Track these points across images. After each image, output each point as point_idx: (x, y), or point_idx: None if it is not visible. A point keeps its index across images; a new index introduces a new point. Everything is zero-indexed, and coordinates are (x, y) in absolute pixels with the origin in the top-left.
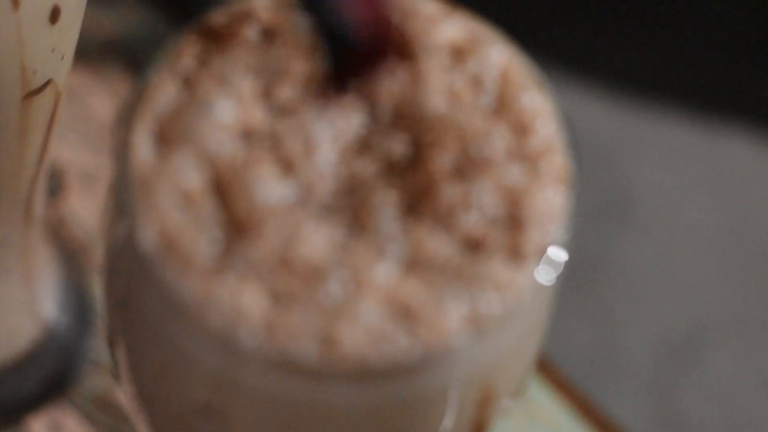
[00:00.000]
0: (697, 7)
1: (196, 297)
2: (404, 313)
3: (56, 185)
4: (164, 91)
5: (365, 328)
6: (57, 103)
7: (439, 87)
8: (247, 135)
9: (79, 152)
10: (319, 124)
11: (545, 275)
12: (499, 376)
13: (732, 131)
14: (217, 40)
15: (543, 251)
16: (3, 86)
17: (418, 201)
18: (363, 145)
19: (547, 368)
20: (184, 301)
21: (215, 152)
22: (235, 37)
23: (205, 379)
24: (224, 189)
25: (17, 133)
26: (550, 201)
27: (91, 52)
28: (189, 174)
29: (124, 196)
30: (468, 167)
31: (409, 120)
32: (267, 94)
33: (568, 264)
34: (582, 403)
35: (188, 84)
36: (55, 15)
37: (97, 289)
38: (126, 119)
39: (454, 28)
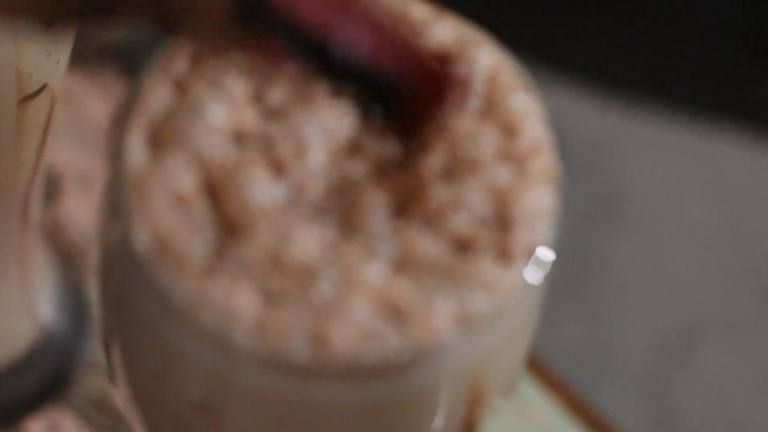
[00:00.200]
0: (687, 6)
1: (190, 297)
2: (395, 312)
3: (53, 188)
4: (157, 94)
5: (356, 327)
6: (52, 107)
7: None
8: (239, 137)
9: (75, 155)
10: (309, 126)
11: (534, 274)
12: (489, 374)
13: (722, 130)
14: (210, 42)
15: (531, 251)
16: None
17: (408, 202)
18: (353, 147)
19: (539, 367)
20: (178, 301)
21: (208, 154)
22: (227, 39)
23: (199, 377)
24: (217, 190)
25: (14, 137)
26: (538, 201)
27: (86, 56)
28: (182, 176)
29: (117, 198)
30: (457, 168)
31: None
32: (258, 96)
33: (559, 263)
34: (574, 402)
35: (181, 87)
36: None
37: (94, 291)
38: (119, 122)
39: (443, 31)
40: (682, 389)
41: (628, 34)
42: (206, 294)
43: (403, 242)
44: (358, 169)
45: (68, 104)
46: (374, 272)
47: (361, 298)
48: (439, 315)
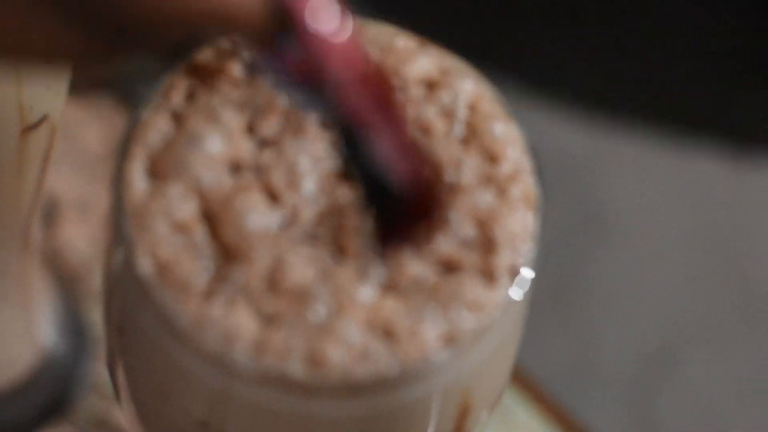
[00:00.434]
0: (668, 27)
1: (191, 319)
2: (385, 332)
3: (51, 214)
4: (155, 126)
5: (349, 347)
6: (52, 136)
7: (413, 118)
8: (235, 167)
9: (72, 182)
10: (301, 156)
11: (516, 293)
12: (477, 389)
13: (702, 149)
14: (205, 76)
15: (514, 270)
16: (2, 123)
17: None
18: (342, 175)
19: (525, 381)
20: (180, 323)
21: (205, 183)
22: (221, 73)
23: (201, 395)
24: (214, 218)
25: (15, 167)
26: (520, 223)
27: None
28: (181, 204)
29: (120, 227)
30: (442, 193)
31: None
32: (252, 127)
33: (544, 280)
34: (559, 415)
35: (178, 119)
36: None
37: (93, 314)
38: (120, 153)
39: (427, 60)
40: (665, 401)
41: (608, 56)
42: (207, 316)
43: (392, 265)
44: (347, 195)
45: (65, 133)
46: (365, 294)
47: (354, 319)
48: (428, 334)
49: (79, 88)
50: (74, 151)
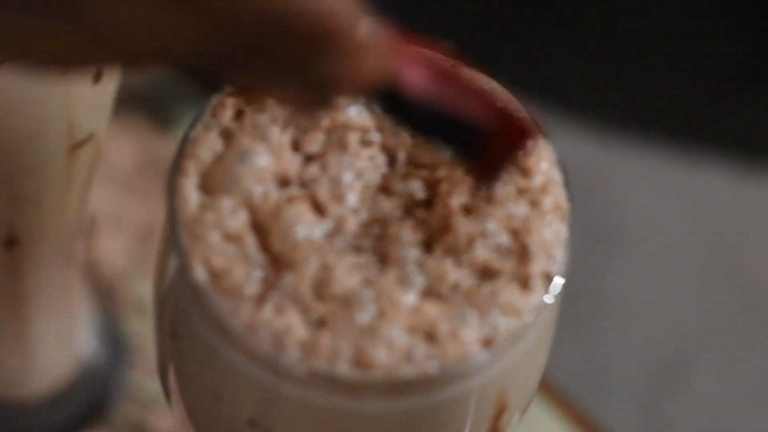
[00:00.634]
0: (676, 44)
1: (243, 324)
2: (427, 335)
3: (87, 228)
4: (206, 143)
5: (393, 349)
6: (97, 153)
7: None
8: (282, 181)
9: (105, 197)
10: (344, 170)
11: (549, 297)
12: (512, 389)
13: (711, 163)
14: (251, 96)
15: (548, 276)
16: (52, 141)
17: (436, 235)
18: (383, 189)
19: (545, 386)
20: (233, 328)
21: (254, 196)
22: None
23: (252, 396)
24: (263, 229)
25: (63, 183)
26: (552, 232)
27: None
28: (232, 216)
29: (175, 238)
30: (479, 204)
31: (424, 164)
32: (298, 143)
33: (565, 289)
34: (578, 418)
35: (227, 136)
36: (98, 74)
37: (129, 324)
38: (173, 169)
39: None
40: (678, 406)
41: (620, 74)
42: (258, 321)
43: (432, 272)
44: (388, 207)
45: None
46: (408, 300)
47: (397, 322)
48: (467, 337)
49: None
50: (107, 167)
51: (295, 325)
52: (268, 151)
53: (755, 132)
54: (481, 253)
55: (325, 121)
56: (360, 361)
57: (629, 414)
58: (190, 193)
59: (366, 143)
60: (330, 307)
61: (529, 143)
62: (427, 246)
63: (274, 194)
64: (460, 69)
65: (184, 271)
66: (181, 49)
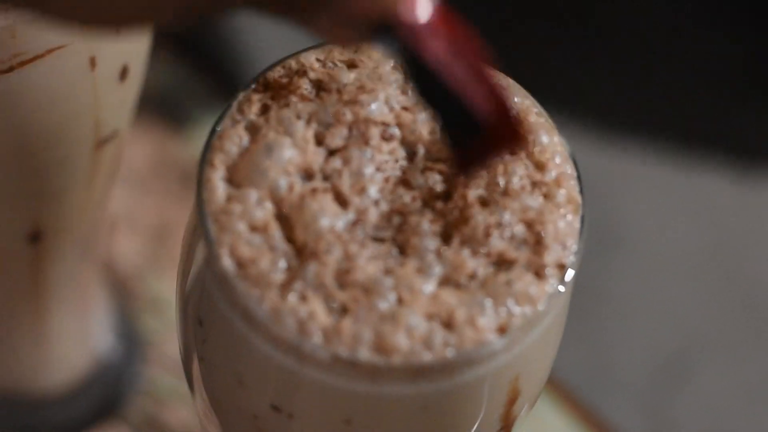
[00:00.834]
0: (675, 50)
1: (269, 311)
2: (445, 322)
3: (109, 225)
4: (233, 137)
5: (412, 335)
6: (121, 151)
7: None
8: (306, 173)
9: (120, 196)
10: (365, 163)
11: (562, 287)
12: (525, 375)
13: (709, 166)
14: (276, 91)
15: (561, 266)
16: (79, 137)
17: (454, 226)
18: (403, 181)
19: (550, 382)
20: (258, 314)
21: (279, 188)
22: (291, 89)
23: (276, 381)
24: (288, 219)
25: (86, 180)
26: (566, 223)
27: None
28: (258, 207)
29: (203, 229)
30: (495, 197)
31: (442, 158)
32: (321, 138)
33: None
34: (583, 413)
35: (253, 130)
36: (124, 73)
37: (143, 320)
38: (202, 162)
39: None
40: (680, 404)
41: (620, 79)
42: (283, 308)
43: (450, 262)
44: (408, 199)
45: None
46: (426, 288)
47: (416, 310)
48: (483, 324)
49: None
50: (123, 167)
51: (319, 312)
52: (293, 144)
53: (755, 134)
54: (497, 243)
55: (348, 116)
56: (380, 346)
57: (633, 412)
58: (218, 185)
59: (387, 138)
60: (352, 295)
61: (516, 150)
62: (446, 236)
63: (299, 186)
64: (485, 57)
65: (211, 260)
66: None
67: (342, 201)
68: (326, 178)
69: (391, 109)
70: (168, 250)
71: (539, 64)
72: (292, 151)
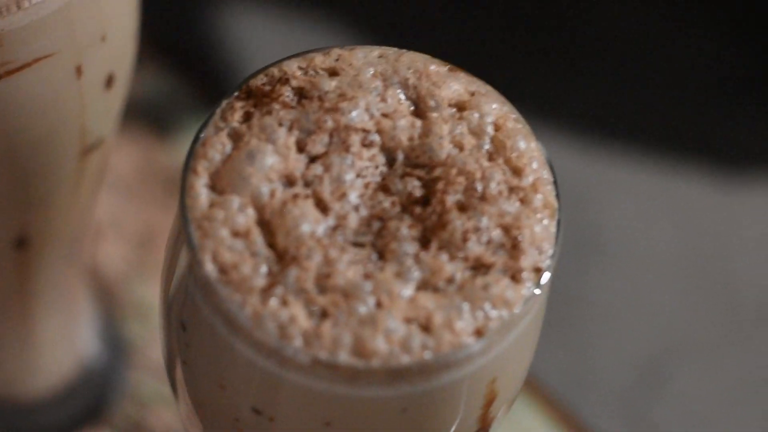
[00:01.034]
0: (657, 56)
1: (250, 315)
2: (423, 326)
3: (94, 231)
4: (216, 144)
5: (391, 339)
6: (107, 158)
7: (445, 135)
8: (288, 180)
9: (107, 203)
10: (347, 170)
11: (538, 291)
12: (502, 378)
13: (690, 172)
14: (258, 99)
15: (538, 270)
16: (65, 144)
17: (432, 231)
18: (383, 187)
19: (528, 385)
20: (240, 319)
21: (261, 195)
22: (273, 97)
23: (257, 384)
24: (270, 225)
25: (71, 187)
26: (542, 229)
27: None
28: (240, 213)
29: (186, 235)
30: (473, 202)
31: (420, 164)
32: (302, 145)
33: (550, 293)
34: (562, 417)
35: (236, 137)
36: (110, 81)
37: (128, 325)
38: (185, 169)
39: (456, 85)
40: (659, 407)
41: (601, 85)
42: (264, 312)
43: (428, 266)
44: (387, 205)
45: None
46: (405, 292)
47: (395, 314)
48: (461, 328)
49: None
50: (109, 173)
51: (299, 317)
52: (275, 151)
53: (736, 141)
54: (475, 247)
55: (329, 124)
56: (360, 350)
57: (612, 414)
58: (201, 192)
59: (367, 144)
60: (332, 299)
61: None
62: (424, 241)
63: (280, 193)
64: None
65: (194, 265)
66: None
67: (323, 207)
68: (307, 184)
69: (371, 116)
70: (153, 255)
71: (524, 69)
72: (274, 158)
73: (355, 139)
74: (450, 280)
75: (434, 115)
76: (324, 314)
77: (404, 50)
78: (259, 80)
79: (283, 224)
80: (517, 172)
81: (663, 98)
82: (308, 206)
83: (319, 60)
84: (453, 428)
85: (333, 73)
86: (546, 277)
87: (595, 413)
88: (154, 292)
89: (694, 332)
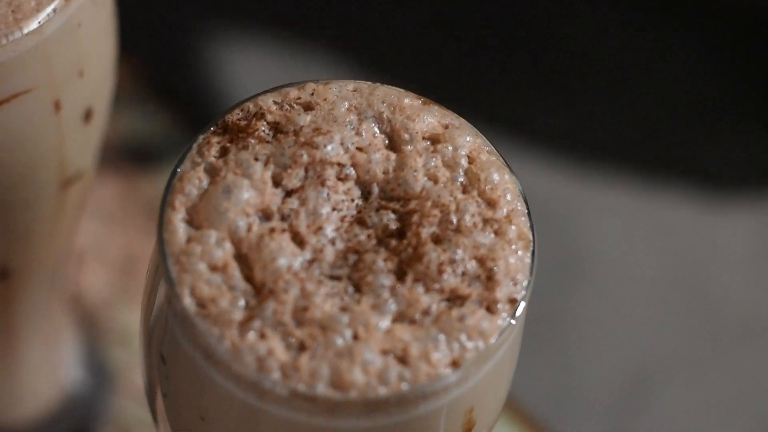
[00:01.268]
0: (639, 72)
1: (228, 349)
2: (400, 358)
3: (76, 260)
4: (193, 179)
5: (368, 371)
6: (87, 190)
7: (420, 168)
8: (264, 214)
9: (89, 231)
10: (322, 204)
11: (514, 321)
12: (479, 407)
13: (671, 193)
14: (235, 134)
15: (513, 301)
16: (45, 177)
17: (408, 264)
18: (359, 220)
19: (511, 406)
20: (218, 352)
21: (238, 229)
22: (249, 131)
23: (237, 416)
24: (247, 259)
25: (51, 217)
26: (517, 259)
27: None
28: (217, 248)
29: (164, 269)
30: (448, 234)
31: (396, 197)
32: (278, 179)
33: (529, 314)
34: None
35: (212, 172)
36: (89, 115)
37: (111, 352)
38: (163, 203)
39: (430, 118)
40: (642, 425)
41: (582, 103)
42: (242, 346)
43: (404, 298)
44: (363, 238)
45: None
46: (382, 324)
47: (372, 346)
48: (437, 359)
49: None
50: (92, 203)
51: (277, 349)
52: (251, 186)
53: (716, 160)
54: (450, 279)
55: (305, 158)
56: (337, 382)
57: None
58: (179, 226)
59: (342, 178)
60: (309, 332)
61: None
62: (400, 273)
63: (257, 227)
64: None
65: (172, 299)
66: None
67: (299, 240)
68: (284, 218)
69: (346, 150)
70: (135, 282)
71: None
72: (250, 193)
73: (331, 172)
74: (426, 312)
75: (408, 148)
76: (302, 347)
77: (378, 84)
78: (235, 115)
79: (260, 258)
80: (491, 204)
81: (643, 118)
82: (285, 240)
83: (294, 94)
84: None
85: (308, 107)
86: (521, 307)
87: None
88: (136, 319)
89: (677, 351)
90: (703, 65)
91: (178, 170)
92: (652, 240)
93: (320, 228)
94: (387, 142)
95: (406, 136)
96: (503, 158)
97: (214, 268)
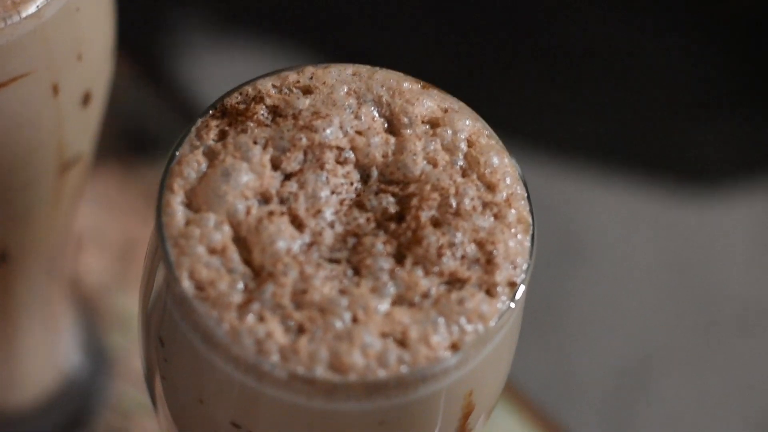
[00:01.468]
0: (631, 68)
1: (227, 331)
2: (399, 341)
3: (75, 244)
4: (192, 162)
5: (367, 354)
6: (86, 174)
7: (419, 152)
8: (263, 197)
9: (88, 216)
10: (321, 187)
11: (513, 304)
12: (479, 390)
13: (671, 182)
14: (234, 117)
15: (512, 285)
16: (43, 161)
17: (407, 247)
18: (358, 204)
19: (510, 391)
20: (217, 335)
21: (237, 212)
22: (248, 115)
23: (235, 399)
24: (246, 242)
25: (50, 201)
26: (516, 243)
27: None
28: (216, 231)
29: (163, 253)
30: (447, 217)
31: (395, 180)
32: (277, 162)
33: (528, 303)
34: (542, 422)
35: (211, 155)
36: (87, 99)
37: (110, 336)
38: (161, 187)
39: (430, 102)
40: (638, 413)
41: (583, 97)
42: (241, 328)
43: (403, 281)
44: (362, 221)
45: None
46: (381, 307)
47: (371, 329)
48: (436, 342)
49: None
50: (91, 187)
51: (276, 332)
52: (250, 169)
53: (713, 152)
54: (450, 262)
55: (303, 141)
56: (337, 364)
57: (593, 421)
58: (177, 210)
59: (341, 161)
60: (308, 315)
61: None
62: (399, 257)
63: (256, 210)
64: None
65: (171, 282)
66: None
67: (298, 224)
68: (283, 201)
69: (345, 133)
70: (134, 266)
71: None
72: (249, 176)
73: (330, 156)
74: (425, 295)
75: (408, 132)
76: (301, 330)
77: (377, 68)
78: (234, 99)
79: (259, 241)
80: (490, 187)
81: (642, 109)
82: (284, 223)
83: (293, 78)
84: None
85: (307, 91)
86: (521, 291)
87: (577, 420)
88: (135, 303)
89: (674, 340)
90: (698, 60)
91: (177, 153)
92: (651, 226)
93: (319, 211)
94: (386, 125)
95: (406, 119)
96: (501, 142)
97: (212, 251)
